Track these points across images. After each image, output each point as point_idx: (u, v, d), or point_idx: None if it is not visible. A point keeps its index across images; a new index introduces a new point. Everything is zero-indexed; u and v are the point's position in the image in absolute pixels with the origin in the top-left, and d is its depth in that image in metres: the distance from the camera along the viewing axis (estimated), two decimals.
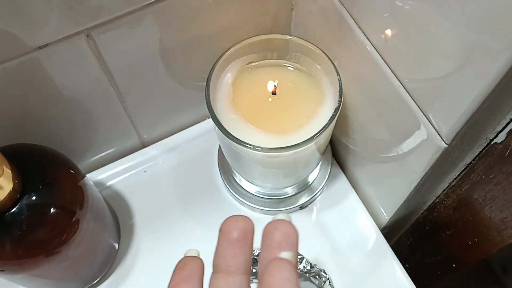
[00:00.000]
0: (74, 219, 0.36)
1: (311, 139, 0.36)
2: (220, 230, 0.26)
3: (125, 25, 0.37)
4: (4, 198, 0.32)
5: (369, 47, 0.35)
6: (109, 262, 0.46)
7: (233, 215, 0.27)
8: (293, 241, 0.25)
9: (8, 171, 0.31)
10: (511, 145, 0.31)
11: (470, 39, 0.25)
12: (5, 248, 0.34)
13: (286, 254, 0.24)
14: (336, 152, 0.50)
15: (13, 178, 0.32)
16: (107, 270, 0.45)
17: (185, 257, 0.27)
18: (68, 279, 0.41)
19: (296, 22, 0.46)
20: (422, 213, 0.45)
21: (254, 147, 0.35)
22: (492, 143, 0.32)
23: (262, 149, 0.35)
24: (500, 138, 0.31)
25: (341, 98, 0.37)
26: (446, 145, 0.30)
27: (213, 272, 0.26)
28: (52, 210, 0.35)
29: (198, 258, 0.27)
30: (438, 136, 0.30)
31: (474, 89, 0.26)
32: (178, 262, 0.27)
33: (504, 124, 0.30)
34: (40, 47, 0.34)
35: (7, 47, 0.33)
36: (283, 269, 0.23)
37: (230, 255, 0.26)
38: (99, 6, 0.34)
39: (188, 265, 0.26)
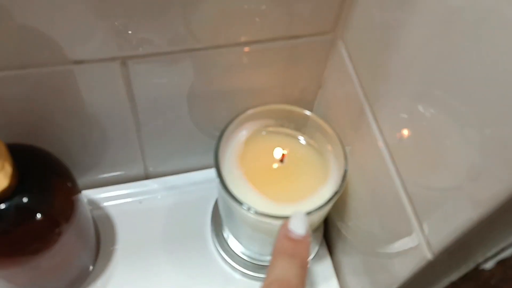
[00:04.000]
0: (56, 230, 0.37)
1: None
2: None
3: (161, 63, 0.38)
4: None
5: (381, 143, 0.35)
6: (79, 282, 0.45)
7: None
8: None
9: (8, 168, 0.32)
10: (497, 275, 0.30)
11: (478, 161, 0.26)
12: None
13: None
14: (327, 234, 0.50)
15: (11, 176, 0.33)
16: None
17: None
18: None
19: (320, 100, 0.47)
20: None
21: (247, 208, 0.36)
22: (480, 268, 0.32)
23: (255, 212, 0.36)
24: (489, 265, 0.31)
25: (343, 183, 0.38)
26: (432, 258, 0.30)
27: None
28: (38, 216, 0.35)
29: None
30: (426, 247, 0.30)
31: (471, 209, 0.26)
32: None
33: (495, 252, 0.30)
34: (75, 62, 0.36)
35: (47, 53, 0.35)
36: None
37: None
38: (143, 39, 0.36)
39: None
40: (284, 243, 0.32)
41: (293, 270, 0.30)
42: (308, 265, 0.32)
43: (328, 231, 0.50)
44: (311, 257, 0.48)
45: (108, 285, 0.46)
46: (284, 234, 0.32)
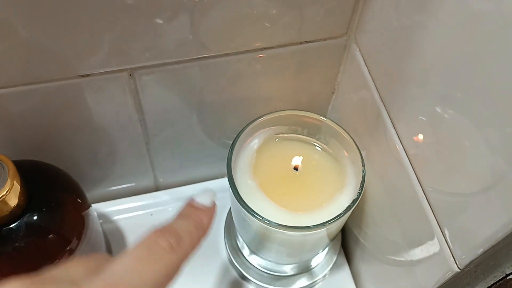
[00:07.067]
0: (68, 248, 0.36)
1: (322, 224, 0.35)
2: None
3: (169, 72, 0.37)
4: (6, 213, 0.32)
5: (399, 148, 0.34)
6: None
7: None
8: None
9: (17, 187, 0.31)
10: None
11: (502, 168, 0.25)
12: None
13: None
14: (345, 242, 0.49)
15: (20, 195, 0.32)
16: None
17: None
18: None
19: (334, 105, 0.46)
20: None
21: (263, 220, 0.34)
22: (507, 278, 0.30)
23: (271, 224, 0.34)
24: None
25: (361, 190, 0.36)
26: (459, 270, 0.29)
27: None
28: (49, 235, 0.35)
29: None
30: (452, 258, 0.29)
31: (498, 220, 0.25)
32: None
33: None
34: (82, 76, 0.35)
35: (53, 68, 0.34)
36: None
37: None
38: (149, 48, 0.35)
39: None
40: (185, 209, 0.30)
41: (185, 226, 0.28)
42: (207, 231, 0.29)
43: (345, 239, 0.49)
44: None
45: None
46: (187, 202, 0.30)
